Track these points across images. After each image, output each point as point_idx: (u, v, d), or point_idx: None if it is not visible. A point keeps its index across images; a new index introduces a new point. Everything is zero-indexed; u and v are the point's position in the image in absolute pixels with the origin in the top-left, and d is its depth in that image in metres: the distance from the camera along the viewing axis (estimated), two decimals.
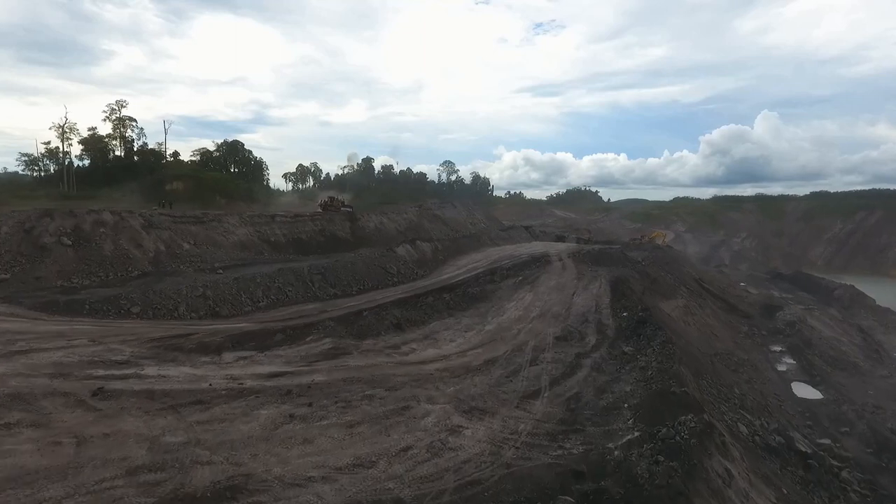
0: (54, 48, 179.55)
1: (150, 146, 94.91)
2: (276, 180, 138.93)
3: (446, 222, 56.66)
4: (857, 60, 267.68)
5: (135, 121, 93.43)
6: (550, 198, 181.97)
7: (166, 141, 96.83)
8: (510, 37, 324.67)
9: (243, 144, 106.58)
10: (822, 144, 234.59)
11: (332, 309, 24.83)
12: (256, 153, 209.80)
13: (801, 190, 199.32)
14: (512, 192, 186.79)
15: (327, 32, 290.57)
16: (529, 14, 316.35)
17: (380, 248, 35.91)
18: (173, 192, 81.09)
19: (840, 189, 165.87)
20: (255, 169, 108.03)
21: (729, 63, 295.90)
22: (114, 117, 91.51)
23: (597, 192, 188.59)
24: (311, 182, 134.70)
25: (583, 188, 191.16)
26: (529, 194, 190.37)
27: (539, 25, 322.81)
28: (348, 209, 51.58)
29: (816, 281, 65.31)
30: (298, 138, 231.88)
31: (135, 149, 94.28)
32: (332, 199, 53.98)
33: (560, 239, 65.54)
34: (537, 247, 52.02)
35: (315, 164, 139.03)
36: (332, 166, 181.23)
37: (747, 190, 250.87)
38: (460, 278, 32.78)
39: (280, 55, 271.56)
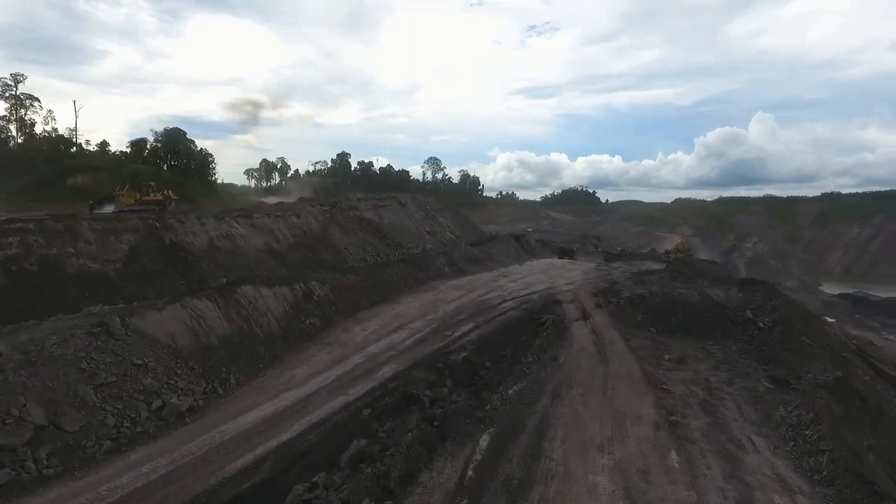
0: (47, 47, 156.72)
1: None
2: (237, 178, 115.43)
3: (381, 230, 30.35)
4: (848, 64, 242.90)
5: (38, 100, 68.67)
6: (545, 199, 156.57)
7: (77, 126, 71.54)
8: (504, 39, 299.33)
9: (185, 133, 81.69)
10: (816, 147, 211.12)
11: None
12: (252, 154, 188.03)
13: (797, 192, 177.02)
14: (504, 192, 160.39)
15: (321, 34, 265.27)
16: (523, 16, 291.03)
17: (82, 322, 11.27)
18: (77, 188, 57.69)
19: (837, 190, 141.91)
20: (199, 163, 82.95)
21: (722, 66, 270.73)
22: (8, 95, 66.70)
23: (594, 192, 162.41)
24: (277, 179, 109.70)
25: (578, 188, 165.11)
26: (523, 195, 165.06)
27: (533, 27, 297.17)
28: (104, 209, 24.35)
29: None
30: (291, 139, 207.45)
31: (37, 134, 69.37)
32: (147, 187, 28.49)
33: (566, 254, 39.93)
34: (534, 275, 27.28)
35: (282, 160, 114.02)
36: (302, 163, 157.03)
37: (741, 191, 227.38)
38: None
39: (274, 56, 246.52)
